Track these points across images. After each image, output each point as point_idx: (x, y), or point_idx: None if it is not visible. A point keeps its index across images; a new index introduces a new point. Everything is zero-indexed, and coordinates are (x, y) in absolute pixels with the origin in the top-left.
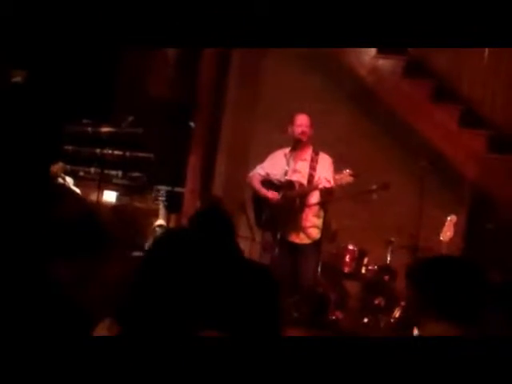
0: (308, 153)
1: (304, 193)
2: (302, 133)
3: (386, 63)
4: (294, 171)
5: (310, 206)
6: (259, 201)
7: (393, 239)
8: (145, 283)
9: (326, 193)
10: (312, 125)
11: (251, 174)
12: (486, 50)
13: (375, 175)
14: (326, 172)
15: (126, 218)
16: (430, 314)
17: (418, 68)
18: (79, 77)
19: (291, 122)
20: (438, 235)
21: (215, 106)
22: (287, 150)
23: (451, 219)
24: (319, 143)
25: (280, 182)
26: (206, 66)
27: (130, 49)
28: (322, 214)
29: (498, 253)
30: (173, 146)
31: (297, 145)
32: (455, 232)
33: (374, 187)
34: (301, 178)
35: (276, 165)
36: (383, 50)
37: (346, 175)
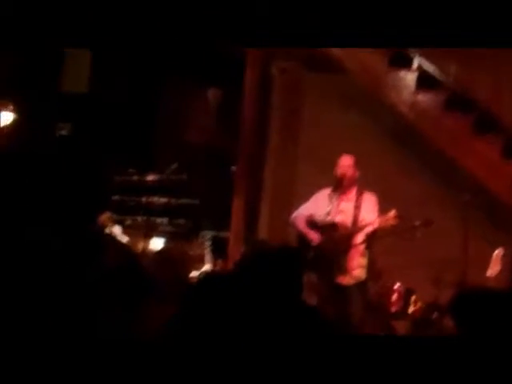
0: (352, 193)
1: (348, 234)
2: (342, 174)
3: (425, 98)
4: (339, 212)
5: (354, 246)
6: (303, 242)
7: (439, 276)
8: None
9: (370, 233)
10: (356, 165)
11: (295, 214)
12: None
13: (419, 212)
14: (370, 212)
15: (173, 265)
16: None
17: (458, 101)
18: (123, 126)
19: (336, 163)
20: (486, 270)
21: (256, 150)
22: (328, 190)
23: (498, 253)
24: (361, 182)
25: (323, 222)
26: (247, 110)
27: (172, 92)
28: (366, 253)
29: None
30: (217, 191)
31: (339, 185)
32: (503, 265)
33: (417, 224)
34: (345, 218)
35: (319, 205)
36: (422, 86)
37: (391, 217)
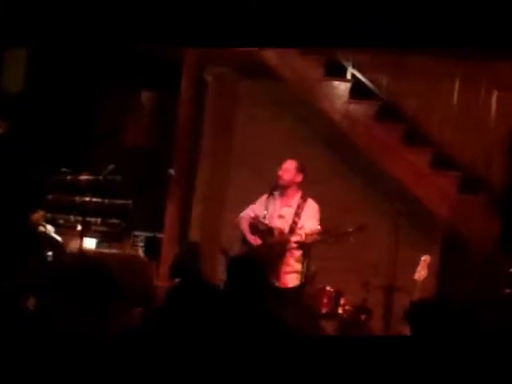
0: (295, 199)
1: (283, 240)
2: (280, 177)
3: (358, 107)
4: (279, 216)
5: (290, 251)
6: (246, 243)
7: (368, 279)
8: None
9: (308, 240)
10: (300, 170)
11: (241, 215)
12: (455, 93)
13: (351, 217)
14: (310, 220)
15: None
16: None
17: (389, 112)
18: (59, 126)
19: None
20: (413, 275)
21: (191, 153)
22: (275, 194)
23: (425, 259)
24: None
25: (262, 225)
26: (182, 114)
27: (109, 94)
28: (302, 259)
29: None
30: (151, 193)
31: (281, 189)
32: (429, 271)
33: (351, 229)
34: (284, 223)
35: (263, 208)
36: (355, 96)
37: (316, 234)
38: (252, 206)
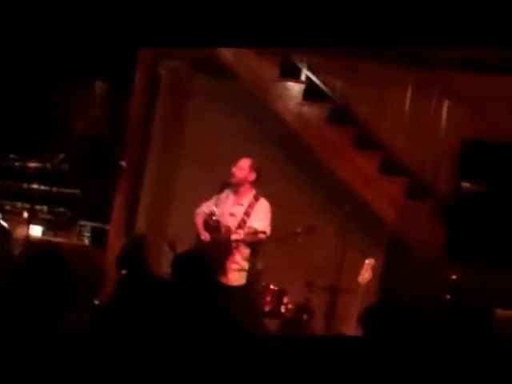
0: (248, 198)
1: (226, 238)
2: (233, 174)
3: (311, 110)
4: (231, 214)
5: (236, 249)
6: (199, 239)
7: (313, 280)
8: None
9: (255, 239)
10: (254, 169)
11: (197, 210)
12: (407, 100)
13: (300, 218)
14: (260, 220)
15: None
16: None
17: (341, 115)
18: (8, 113)
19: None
20: (357, 277)
21: (141, 145)
22: (230, 190)
23: (369, 262)
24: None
25: (213, 222)
26: (134, 106)
27: (62, 83)
28: (249, 257)
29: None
30: (100, 184)
31: (234, 187)
32: (373, 274)
33: (299, 230)
34: (234, 221)
35: (219, 204)
36: (308, 97)
37: (258, 235)
38: (207, 203)
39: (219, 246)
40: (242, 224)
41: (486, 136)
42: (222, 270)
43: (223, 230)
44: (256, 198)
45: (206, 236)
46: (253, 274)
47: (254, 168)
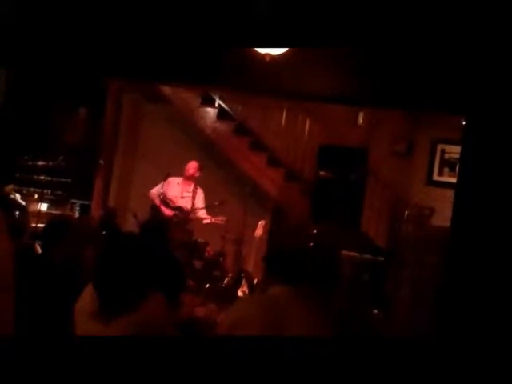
0: (191, 187)
1: (187, 215)
2: (186, 171)
3: (222, 126)
4: (182, 197)
5: (189, 221)
6: (157, 212)
7: (226, 235)
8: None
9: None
10: (199, 169)
11: (153, 191)
12: (283, 118)
13: (217, 197)
14: (200, 202)
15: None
16: (272, 282)
17: (241, 129)
18: (25, 128)
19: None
20: (254, 233)
21: (112, 150)
22: (179, 180)
23: (261, 223)
24: (178, 176)
25: (173, 202)
26: (107, 124)
27: (58, 109)
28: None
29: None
30: (85, 175)
31: (184, 179)
32: (264, 231)
33: (216, 203)
34: (185, 203)
35: (169, 188)
36: (220, 117)
37: (221, 219)
38: (156, 187)
39: (181, 219)
40: (192, 205)
41: (332, 142)
42: (185, 233)
43: (183, 209)
44: (196, 187)
45: (166, 212)
46: (189, 232)
47: (200, 168)
